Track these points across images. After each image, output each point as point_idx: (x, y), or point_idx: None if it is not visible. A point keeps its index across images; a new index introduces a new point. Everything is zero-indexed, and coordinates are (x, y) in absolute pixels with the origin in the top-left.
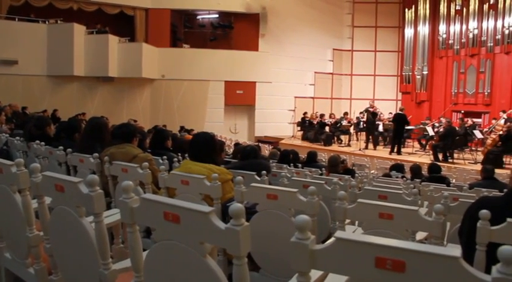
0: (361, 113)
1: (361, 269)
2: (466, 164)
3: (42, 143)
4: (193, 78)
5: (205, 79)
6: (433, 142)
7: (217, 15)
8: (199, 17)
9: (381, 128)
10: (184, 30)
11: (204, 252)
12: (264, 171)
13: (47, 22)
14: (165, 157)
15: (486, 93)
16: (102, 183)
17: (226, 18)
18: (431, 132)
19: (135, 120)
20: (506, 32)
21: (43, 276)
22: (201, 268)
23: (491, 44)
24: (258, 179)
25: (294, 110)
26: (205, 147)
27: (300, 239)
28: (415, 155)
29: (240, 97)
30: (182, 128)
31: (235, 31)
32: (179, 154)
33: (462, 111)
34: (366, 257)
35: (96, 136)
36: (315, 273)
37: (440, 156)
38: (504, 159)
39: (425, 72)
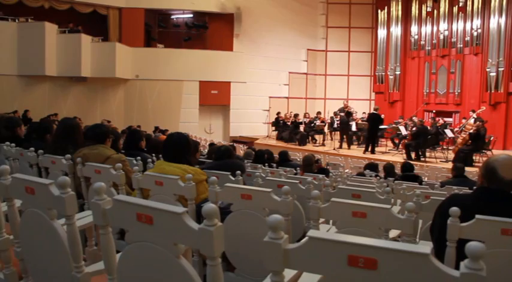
0: (335, 113)
1: (334, 267)
2: (438, 163)
3: (13, 144)
4: (168, 78)
5: (179, 79)
6: (406, 141)
7: (191, 15)
8: (173, 16)
9: (354, 128)
10: (159, 30)
11: (178, 253)
12: (239, 171)
13: (17, 20)
14: (139, 158)
15: (456, 93)
16: (75, 185)
17: (200, 18)
18: (404, 132)
19: (108, 121)
20: (475, 34)
21: (13, 281)
22: (175, 269)
23: (461, 46)
24: (233, 179)
25: (268, 110)
26: (179, 147)
27: (273, 239)
28: (389, 154)
29: (215, 97)
30: (157, 129)
31: (210, 31)
32: (153, 155)
33: (434, 111)
34: (339, 256)
35: (68, 137)
36: (289, 273)
37: (413, 155)
38: (474, 158)
39: (397, 73)
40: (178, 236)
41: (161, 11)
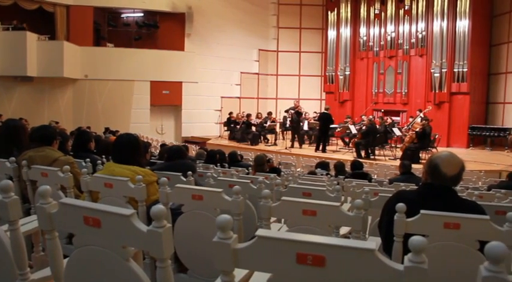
0: (286, 111)
1: (283, 265)
2: (387, 160)
3: None
4: (118, 78)
5: (130, 79)
6: (356, 140)
7: (142, 14)
8: (123, 15)
9: (306, 127)
10: (108, 28)
11: (127, 256)
12: (190, 172)
13: None
14: (88, 160)
15: (404, 93)
16: (20, 189)
17: (151, 17)
18: (353, 131)
19: (56, 122)
20: (420, 36)
21: None
22: (124, 272)
23: (407, 47)
24: (184, 179)
25: (220, 110)
26: (128, 148)
27: (222, 239)
28: (339, 152)
29: (166, 97)
30: (107, 130)
31: (161, 30)
32: (103, 156)
33: (382, 110)
34: (287, 254)
35: (12, 139)
36: (240, 272)
37: (362, 153)
38: (420, 155)
39: (347, 73)
40: (127, 239)
41: (111, 10)
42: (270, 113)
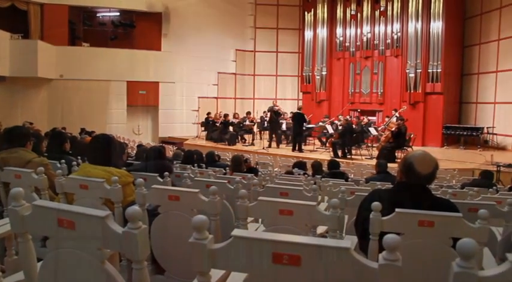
0: (264, 112)
1: (259, 265)
2: (363, 160)
3: None
4: (94, 78)
5: (106, 79)
6: (333, 139)
7: (118, 14)
8: (99, 14)
9: (284, 127)
10: (84, 28)
11: (103, 258)
12: (166, 173)
13: None
14: (63, 161)
15: (379, 93)
16: None
17: (127, 17)
18: (330, 130)
19: (31, 123)
20: (395, 37)
21: None
22: (99, 275)
23: (383, 48)
24: (161, 180)
25: (197, 110)
26: (104, 149)
27: (197, 239)
28: (316, 152)
29: (143, 97)
30: (83, 130)
31: (137, 30)
32: (79, 158)
33: (358, 110)
34: (263, 253)
35: None
36: (217, 273)
37: (339, 152)
38: (396, 154)
39: (324, 73)
40: (102, 241)
41: (86, 8)
42: (248, 113)
